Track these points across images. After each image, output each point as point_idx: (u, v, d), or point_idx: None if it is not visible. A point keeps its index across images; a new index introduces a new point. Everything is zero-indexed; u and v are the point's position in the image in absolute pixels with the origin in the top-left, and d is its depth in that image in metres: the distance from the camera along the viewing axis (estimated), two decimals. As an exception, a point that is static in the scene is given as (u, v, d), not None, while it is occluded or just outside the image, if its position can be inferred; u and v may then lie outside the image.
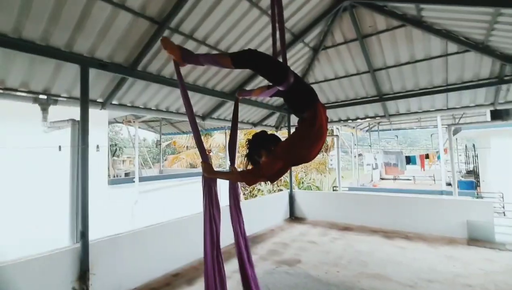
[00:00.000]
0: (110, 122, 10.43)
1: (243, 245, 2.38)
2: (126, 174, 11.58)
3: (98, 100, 4.04)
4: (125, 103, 4.40)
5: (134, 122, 7.79)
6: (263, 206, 6.50)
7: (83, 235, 3.11)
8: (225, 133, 10.98)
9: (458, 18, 3.79)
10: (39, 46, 2.83)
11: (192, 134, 2.13)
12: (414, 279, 3.57)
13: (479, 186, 11.19)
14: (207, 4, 3.29)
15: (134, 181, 6.63)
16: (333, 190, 12.00)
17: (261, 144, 2.03)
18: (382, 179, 18.94)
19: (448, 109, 6.06)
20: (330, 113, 7.43)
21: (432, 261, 4.17)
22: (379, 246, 4.90)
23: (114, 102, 4.22)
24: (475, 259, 4.17)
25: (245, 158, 2.10)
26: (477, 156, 12.28)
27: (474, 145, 12.49)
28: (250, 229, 5.71)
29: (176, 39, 3.58)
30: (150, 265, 3.84)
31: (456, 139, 13.28)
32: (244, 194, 14.39)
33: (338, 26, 4.62)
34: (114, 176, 9.65)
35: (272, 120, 7.89)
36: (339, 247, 4.95)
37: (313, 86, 6.12)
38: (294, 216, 7.13)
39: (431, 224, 5.38)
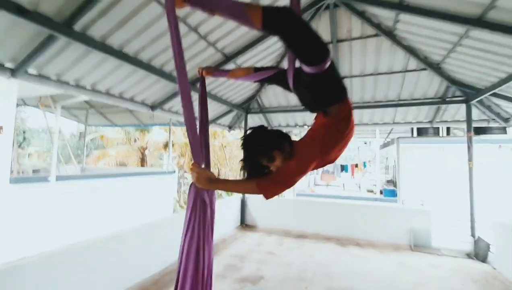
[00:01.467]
0: (18, 104, 8.17)
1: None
2: (34, 171, 9.25)
3: (6, 65, 2.83)
4: (48, 75, 3.23)
5: (54, 107, 6.12)
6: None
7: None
8: (169, 129, 9.81)
9: (427, 36, 3.98)
10: None
11: (184, 120, 1.37)
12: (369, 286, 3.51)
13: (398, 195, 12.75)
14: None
15: (48, 180, 5.13)
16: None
17: (274, 142, 1.46)
18: (316, 185, 20.18)
19: (394, 123, 6.55)
20: (288, 118, 7.29)
21: (388, 269, 4.24)
22: (337, 256, 4.81)
23: (31, 71, 3.04)
24: (422, 265, 4.42)
25: (245, 164, 1.49)
26: (398, 167, 14.09)
27: (396, 158, 14.24)
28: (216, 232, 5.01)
29: (136, -3, 2.74)
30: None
31: (380, 153, 15.00)
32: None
33: (315, 25, 4.41)
34: (18, 173, 7.51)
35: (226, 120, 7.30)
36: (299, 258, 4.68)
37: (273, 86, 5.95)
38: (245, 224, 6.66)
39: (379, 231, 5.62)
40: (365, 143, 22.52)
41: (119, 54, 3.29)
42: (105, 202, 5.82)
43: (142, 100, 4.65)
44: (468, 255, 4.78)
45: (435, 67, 4.70)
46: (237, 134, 9.92)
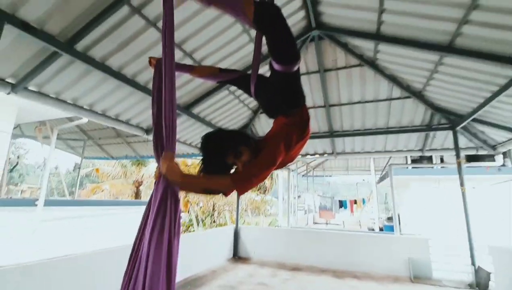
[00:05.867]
0: (15, 135, 8.30)
1: None
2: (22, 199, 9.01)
3: (7, 80, 3.00)
4: (48, 93, 3.40)
5: (51, 132, 6.23)
6: (204, 243, 5.56)
7: None
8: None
9: (406, 64, 4.29)
10: None
11: (164, 99, 1.29)
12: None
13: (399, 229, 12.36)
14: (181, -10, 2.93)
15: (36, 205, 5.02)
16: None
17: (240, 138, 1.46)
18: (315, 223, 19.53)
19: (385, 151, 6.66)
20: (281, 146, 7.39)
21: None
22: (333, 288, 4.52)
23: (31, 87, 3.21)
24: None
25: (209, 164, 1.43)
26: (392, 198, 13.91)
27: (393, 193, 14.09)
28: (187, 269, 4.74)
29: (136, 22, 3.02)
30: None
31: (378, 189, 14.87)
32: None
33: (303, 55, 4.76)
34: (5, 196, 7.31)
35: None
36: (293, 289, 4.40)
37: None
38: (238, 256, 6.34)
39: (377, 263, 5.34)
40: (363, 180, 22.41)
41: (118, 75, 3.49)
42: (90, 228, 5.61)
43: (137, 123, 4.79)
44: (470, 286, 4.52)
45: (418, 95, 4.96)
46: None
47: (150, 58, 1.70)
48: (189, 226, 11.62)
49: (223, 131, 1.58)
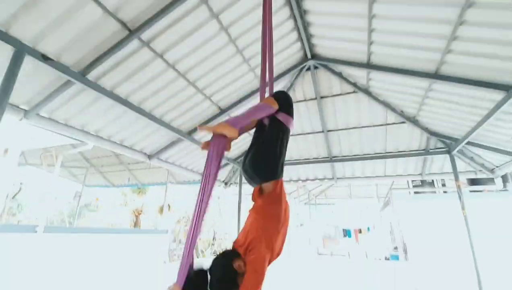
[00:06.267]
0: (18, 163, 8.46)
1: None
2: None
3: (21, 106, 3.20)
4: (57, 119, 3.59)
5: (55, 159, 6.38)
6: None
7: None
8: (165, 189, 9.85)
9: (397, 91, 4.51)
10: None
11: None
12: None
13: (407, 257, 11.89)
14: (187, 25, 3.23)
15: (36, 231, 5.00)
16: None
17: (231, 276, 1.54)
18: (319, 254, 18.81)
19: (385, 176, 6.70)
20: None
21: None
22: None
23: (42, 114, 3.40)
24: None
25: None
26: (400, 231, 13.53)
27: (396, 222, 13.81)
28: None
29: (144, 54, 3.29)
30: None
31: (382, 217, 14.57)
32: None
33: (301, 83, 5.03)
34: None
35: (222, 175, 7.46)
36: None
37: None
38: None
39: (383, 291, 5.15)
40: (367, 207, 22.00)
41: (125, 102, 3.69)
42: (90, 255, 5.50)
43: (141, 149, 4.93)
44: (483, 317, 4.30)
45: (413, 120, 5.13)
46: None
47: (203, 145, 1.84)
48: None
49: (223, 258, 1.65)
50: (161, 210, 14.35)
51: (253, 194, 1.89)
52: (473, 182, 7.86)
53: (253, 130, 2.22)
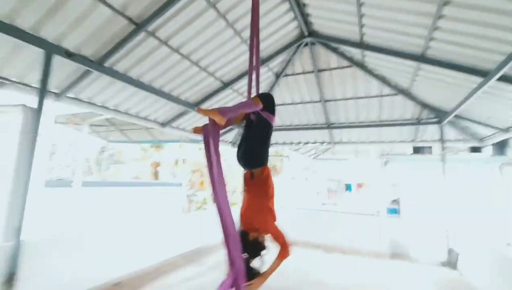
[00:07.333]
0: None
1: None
2: (59, 180, 10.33)
3: (53, 90, 3.80)
4: (82, 98, 4.20)
5: (82, 124, 7.20)
6: (214, 219, 6.46)
7: (17, 232, 2.80)
8: (180, 146, 10.77)
9: (391, 67, 4.71)
10: (1, 23, 2.67)
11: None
12: (347, 285, 4.01)
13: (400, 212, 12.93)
14: (186, 16, 3.53)
15: (71, 186, 6.05)
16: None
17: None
18: (323, 204, 20.30)
19: (380, 142, 7.14)
20: (284, 136, 8.02)
21: (362, 272, 4.72)
22: (319, 259, 5.33)
23: (70, 95, 4.00)
24: (395, 270, 4.86)
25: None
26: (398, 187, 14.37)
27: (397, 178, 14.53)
28: (198, 241, 5.68)
29: (151, 42, 3.68)
30: (89, 272, 3.55)
31: (384, 172, 15.26)
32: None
33: (299, 58, 5.26)
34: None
35: (230, 136, 8.11)
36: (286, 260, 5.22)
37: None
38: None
39: (363, 240, 6.07)
40: (368, 165, 22.61)
41: (136, 83, 4.20)
42: (118, 205, 6.65)
43: (154, 119, 5.57)
44: (442, 264, 5.16)
45: (406, 92, 5.37)
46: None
47: (195, 128, 2.12)
48: (203, 204, 12.72)
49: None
50: (176, 163, 15.70)
51: (245, 177, 2.50)
52: (474, 149, 8.13)
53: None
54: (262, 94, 2.51)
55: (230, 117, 2.08)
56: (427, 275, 4.63)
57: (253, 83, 2.67)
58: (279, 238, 2.26)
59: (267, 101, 2.32)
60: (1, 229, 2.99)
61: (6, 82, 3.36)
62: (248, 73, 2.72)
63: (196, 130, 2.06)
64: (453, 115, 4.95)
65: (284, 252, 2.26)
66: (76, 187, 6.05)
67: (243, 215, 2.36)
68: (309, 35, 4.60)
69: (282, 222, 6.96)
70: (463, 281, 4.38)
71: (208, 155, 1.91)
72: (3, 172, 3.21)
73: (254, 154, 2.32)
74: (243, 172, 2.56)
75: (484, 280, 3.92)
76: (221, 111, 1.96)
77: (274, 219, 2.33)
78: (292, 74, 5.76)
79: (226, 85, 5.29)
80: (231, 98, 5.87)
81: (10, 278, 2.74)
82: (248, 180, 2.44)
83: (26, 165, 2.91)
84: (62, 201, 5.71)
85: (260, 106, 2.19)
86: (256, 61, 2.79)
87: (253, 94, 2.59)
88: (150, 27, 3.46)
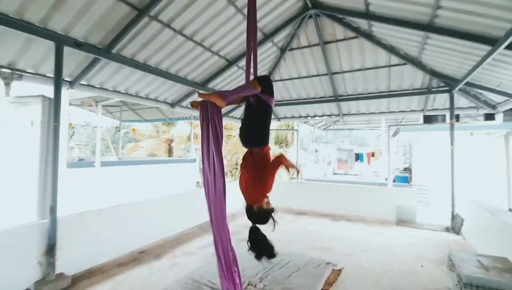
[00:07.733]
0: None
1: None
2: (80, 160, 10.96)
3: (66, 79, 3.99)
4: (94, 84, 4.39)
5: (96, 105, 7.49)
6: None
7: (52, 210, 3.18)
8: (191, 123, 11.03)
9: (399, 36, 4.57)
10: (12, 19, 2.81)
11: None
12: (351, 250, 4.32)
13: (411, 180, 13.03)
14: (186, -2, 3.53)
15: (94, 166, 6.48)
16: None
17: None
18: (335, 174, 20.61)
19: (389, 112, 7.08)
20: (292, 110, 8.05)
21: (367, 237, 5.01)
22: (326, 227, 5.65)
23: (82, 82, 4.19)
24: (399, 235, 5.11)
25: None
26: (411, 155, 14.27)
27: (410, 146, 14.42)
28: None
29: (154, 26, 3.74)
30: (117, 242, 3.99)
31: (397, 140, 15.16)
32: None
33: (304, 31, 5.15)
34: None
35: (238, 112, 8.22)
36: (293, 227, 5.59)
37: (278, 83, 6.75)
38: (254, 203, 7.63)
39: (369, 209, 6.31)
40: (380, 134, 22.34)
41: (144, 67, 4.33)
42: (137, 182, 7.11)
43: (164, 99, 5.74)
44: (447, 229, 5.36)
45: (415, 62, 5.23)
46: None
47: (192, 102, 2.19)
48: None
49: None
50: (188, 139, 16.09)
51: (245, 154, 2.69)
52: (488, 117, 7.92)
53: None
54: (260, 76, 2.56)
55: (230, 100, 2.18)
56: (430, 239, 4.86)
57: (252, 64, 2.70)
58: (276, 167, 2.34)
59: (266, 84, 2.35)
60: (34, 209, 3.37)
61: (24, 74, 3.57)
62: (246, 53, 2.69)
63: (193, 104, 2.18)
64: (463, 83, 4.83)
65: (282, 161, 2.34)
66: (97, 166, 6.48)
67: (244, 193, 2.49)
68: (313, 7, 4.48)
69: (289, 193, 7.25)
70: (465, 245, 4.59)
71: (202, 132, 2.06)
72: (30, 159, 3.53)
73: (254, 135, 2.41)
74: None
75: (483, 243, 4.11)
76: (221, 94, 2.05)
77: (267, 191, 2.43)
78: (298, 48, 5.67)
79: (231, 63, 5.32)
80: (237, 75, 5.90)
81: (51, 249, 3.17)
82: (247, 157, 2.52)
83: (52, 151, 3.21)
84: (85, 180, 6.16)
85: (259, 89, 2.24)
86: (254, 39, 2.75)
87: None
88: (152, 11, 3.49)
